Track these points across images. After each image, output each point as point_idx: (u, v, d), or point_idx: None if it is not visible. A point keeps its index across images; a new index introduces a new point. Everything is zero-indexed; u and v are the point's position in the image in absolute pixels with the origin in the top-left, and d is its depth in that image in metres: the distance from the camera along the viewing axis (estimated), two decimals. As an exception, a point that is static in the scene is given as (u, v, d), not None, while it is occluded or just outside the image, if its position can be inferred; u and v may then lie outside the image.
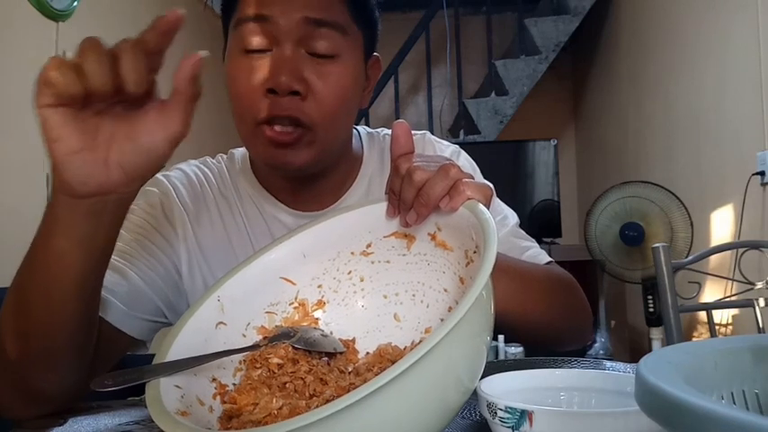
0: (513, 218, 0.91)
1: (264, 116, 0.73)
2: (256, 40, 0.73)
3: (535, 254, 0.88)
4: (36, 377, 0.63)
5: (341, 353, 0.58)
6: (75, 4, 2.15)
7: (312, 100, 0.73)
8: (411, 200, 0.57)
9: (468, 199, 0.55)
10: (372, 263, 0.62)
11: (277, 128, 0.73)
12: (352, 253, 0.63)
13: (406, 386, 0.38)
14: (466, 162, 0.93)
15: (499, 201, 0.92)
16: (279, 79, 0.71)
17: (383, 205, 0.62)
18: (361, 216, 0.63)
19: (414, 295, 0.61)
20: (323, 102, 0.74)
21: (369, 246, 0.62)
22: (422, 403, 0.41)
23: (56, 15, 2.07)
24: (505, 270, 0.74)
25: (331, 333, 0.61)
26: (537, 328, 0.79)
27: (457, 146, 0.94)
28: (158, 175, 0.86)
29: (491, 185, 0.91)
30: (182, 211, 0.83)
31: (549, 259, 0.88)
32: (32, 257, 0.58)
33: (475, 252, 0.53)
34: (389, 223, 0.61)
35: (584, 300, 0.86)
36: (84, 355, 0.65)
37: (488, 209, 0.54)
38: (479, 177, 0.92)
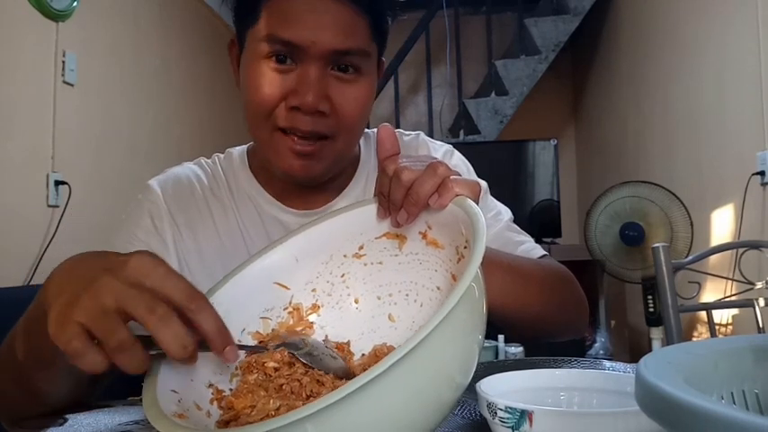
0: (506, 213, 0.92)
1: (285, 126, 0.74)
2: (281, 56, 0.73)
3: (529, 248, 0.88)
4: (43, 387, 0.65)
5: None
6: (75, 4, 2.15)
7: (334, 116, 0.75)
8: (401, 200, 0.57)
9: (457, 195, 0.55)
10: (365, 265, 0.63)
11: (297, 139, 0.75)
12: (345, 255, 0.63)
13: (397, 378, 0.39)
14: (459, 162, 0.93)
15: (492, 198, 0.92)
16: (305, 99, 0.72)
17: (374, 207, 0.62)
18: (352, 218, 0.63)
19: (407, 295, 0.61)
20: (344, 117, 0.76)
21: (361, 248, 0.63)
22: (414, 396, 0.41)
23: (56, 15, 2.07)
24: (500, 265, 0.75)
25: (326, 336, 0.61)
26: (534, 321, 0.80)
27: (450, 146, 0.94)
28: (150, 182, 0.86)
29: (483, 182, 0.92)
30: (170, 218, 0.83)
31: (544, 253, 0.89)
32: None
33: (465, 247, 0.53)
34: (380, 224, 0.62)
35: (580, 292, 0.86)
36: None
37: (477, 204, 0.54)
38: (474, 177, 0.92)
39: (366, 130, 0.95)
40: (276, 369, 0.54)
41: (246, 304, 0.59)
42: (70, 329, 0.45)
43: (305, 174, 0.77)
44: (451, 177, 0.56)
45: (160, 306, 0.45)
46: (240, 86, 0.79)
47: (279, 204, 0.85)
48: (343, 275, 0.63)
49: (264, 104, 0.74)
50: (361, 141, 0.92)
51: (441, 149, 0.93)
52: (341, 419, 0.38)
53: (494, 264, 0.73)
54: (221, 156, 0.91)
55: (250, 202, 0.86)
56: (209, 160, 0.91)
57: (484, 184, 0.92)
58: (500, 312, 0.73)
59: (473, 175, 0.93)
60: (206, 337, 0.47)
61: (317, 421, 0.37)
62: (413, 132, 0.95)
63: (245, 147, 0.92)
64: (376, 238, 0.62)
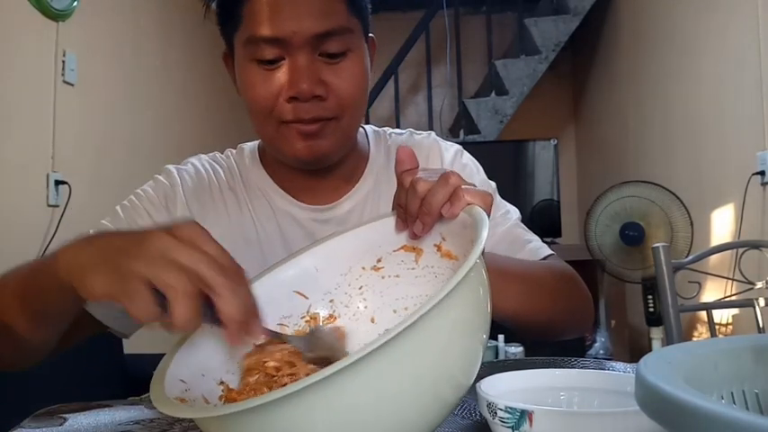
0: (515, 213, 0.93)
1: (288, 119, 0.77)
2: (269, 53, 0.75)
3: (537, 247, 0.89)
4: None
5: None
6: (75, 4, 2.15)
7: (333, 98, 0.77)
8: (416, 210, 0.58)
9: (468, 204, 0.55)
10: (383, 278, 0.63)
11: (300, 125, 0.77)
12: (363, 268, 0.63)
13: (393, 361, 0.39)
14: (469, 162, 0.95)
15: (501, 198, 0.94)
16: (300, 87, 0.74)
17: (392, 219, 0.62)
18: (371, 231, 0.64)
19: None
20: (343, 97, 0.77)
21: (379, 260, 0.63)
22: (412, 385, 0.41)
23: (56, 15, 2.07)
24: (514, 275, 0.78)
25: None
26: (545, 325, 0.82)
27: (460, 146, 0.96)
28: (170, 167, 0.89)
29: (492, 183, 0.93)
30: (185, 205, 0.85)
31: (551, 252, 0.90)
32: (28, 279, 0.61)
33: None
34: (398, 237, 0.62)
35: (585, 292, 0.88)
36: (53, 343, 0.69)
37: (489, 214, 0.54)
38: (483, 176, 0.94)
39: (376, 128, 0.96)
40: (278, 369, 0.54)
41: (266, 310, 0.60)
42: (133, 283, 0.46)
43: (312, 154, 0.79)
44: (463, 187, 0.56)
45: (225, 271, 0.47)
46: (239, 91, 0.81)
47: (290, 199, 0.87)
48: (360, 288, 0.63)
49: (264, 103, 0.77)
50: (372, 139, 0.93)
51: (451, 149, 0.94)
52: (335, 397, 0.38)
53: (508, 274, 0.76)
54: (233, 151, 0.93)
55: (263, 197, 0.87)
56: (222, 155, 0.93)
57: (493, 184, 0.94)
58: (513, 318, 0.76)
59: (482, 175, 0.95)
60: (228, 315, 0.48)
61: (314, 396, 0.37)
62: (424, 132, 0.97)
63: (255, 142, 0.93)
64: (394, 251, 0.63)
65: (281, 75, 0.75)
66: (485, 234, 0.48)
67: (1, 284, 0.65)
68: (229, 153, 0.93)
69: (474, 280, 0.46)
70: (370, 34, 0.85)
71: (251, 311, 0.49)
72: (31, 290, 0.60)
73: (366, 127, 0.95)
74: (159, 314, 0.46)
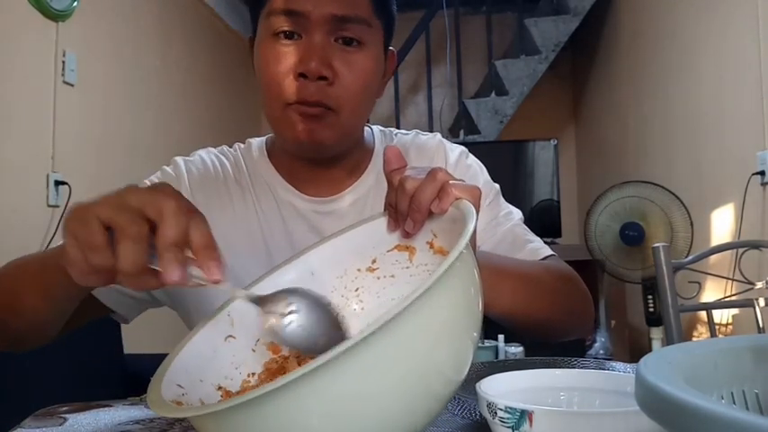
0: (517, 214, 0.94)
1: (294, 100, 0.78)
2: (287, 28, 0.78)
3: (537, 247, 0.90)
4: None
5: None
6: (75, 4, 2.15)
7: (338, 85, 0.78)
8: (406, 208, 0.58)
9: (457, 199, 0.55)
10: (378, 278, 0.63)
11: (304, 107, 0.78)
12: (359, 270, 0.64)
13: (382, 352, 0.39)
14: (474, 163, 0.96)
15: (503, 200, 0.94)
16: (309, 65, 0.76)
17: (384, 220, 0.63)
18: (364, 232, 0.64)
19: None
20: (348, 87, 0.78)
21: (374, 261, 0.63)
22: (401, 378, 0.41)
23: (56, 15, 2.07)
24: (510, 273, 0.77)
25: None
26: (543, 325, 0.82)
27: (465, 148, 0.96)
28: (178, 159, 0.91)
29: (496, 185, 0.94)
30: (189, 197, 0.86)
31: (551, 253, 0.90)
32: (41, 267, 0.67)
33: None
34: (391, 237, 0.62)
35: (585, 293, 0.88)
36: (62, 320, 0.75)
37: (478, 209, 0.54)
38: (486, 178, 0.95)
39: (383, 128, 0.97)
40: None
41: (263, 315, 0.60)
42: (91, 223, 0.48)
43: (310, 137, 0.79)
44: (450, 182, 0.56)
45: (176, 209, 0.48)
46: (255, 70, 0.83)
47: (293, 190, 0.88)
48: (357, 289, 0.64)
49: (275, 78, 0.78)
50: (378, 137, 0.95)
51: (456, 150, 0.95)
52: (326, 388, 0.38)
53: (503, 272, 0.76)
54: (242, 145, 0.95)
55: (267, 188, 0.89)
56: (230, 149, 0.95)
57: (497, 186, 0.95)
58: (510, 317, 0.76)
59: (486, 176, 0.95)
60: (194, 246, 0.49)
61: (303, 388, 0.38)
62: (430, 133, 0.97)
63: (264, 137, 0.95)
64: (387, 251, 0.63)
65: (294, 52, 0.78)
66: (472, 226, 0.48)
67: (23, 264, 0.72)
68: (237, 147, 0.95)
69: (461, 272, 0.46)
70: (391, 47, 0.86)
71: (203, 245, 0.48)
72: (47, 269, 0.65)
73: (373, 126, 0.96)
74: (107, 250, 0.48)
